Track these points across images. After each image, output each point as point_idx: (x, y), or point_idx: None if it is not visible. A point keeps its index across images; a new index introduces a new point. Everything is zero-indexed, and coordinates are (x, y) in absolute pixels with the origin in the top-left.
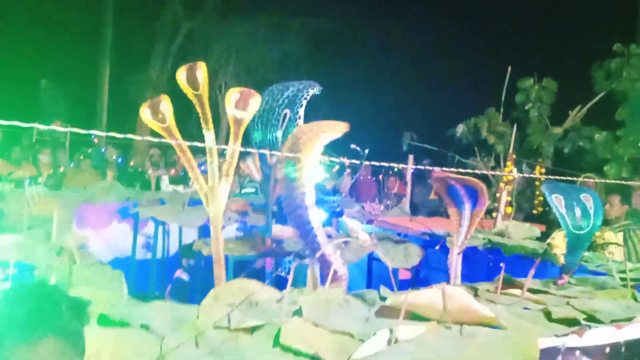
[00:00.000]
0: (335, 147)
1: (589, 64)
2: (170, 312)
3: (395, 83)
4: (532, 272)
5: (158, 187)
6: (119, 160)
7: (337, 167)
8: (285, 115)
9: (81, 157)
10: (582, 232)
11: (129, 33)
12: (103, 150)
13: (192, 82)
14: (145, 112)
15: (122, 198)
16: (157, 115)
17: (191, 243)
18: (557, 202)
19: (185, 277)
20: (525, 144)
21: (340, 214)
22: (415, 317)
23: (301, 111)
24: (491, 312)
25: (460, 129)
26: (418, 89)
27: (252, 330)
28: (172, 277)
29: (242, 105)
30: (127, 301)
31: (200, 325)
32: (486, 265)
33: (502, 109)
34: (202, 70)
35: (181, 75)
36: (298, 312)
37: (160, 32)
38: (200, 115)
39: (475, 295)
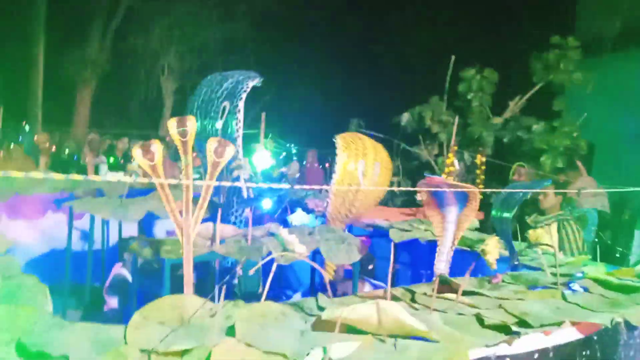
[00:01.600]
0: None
1: (528, 55)
2: (94, 335)
3: (342, 69)
4: (467, 275)
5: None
6: (75, 158)
7: (284, 154)
8: (224, 107)
9: (12, 145)
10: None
11: (65, 10)
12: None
13: (181, 132)
14: (136, 152)
15: (56, 189)
16: (147, 155)
17: (131, 237)
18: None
19: (125, 272)
20: (467, 133)
21: (284, 200)
22: (351, 329)
23: (241, 104)
24: (423, 326)
25: (405, 117)
26: (365, 76)
27: (182, 354)
28: (111, 270)
29: (220, 152)
30: (49, 321)
31: (126, 352)
32: (427, 256)
33: (445, 98)
34: (191, 123)
35: (171, 124)
36: (232, 330)
37: (98, 10)
38: (181, 159)
39: (412, 299)
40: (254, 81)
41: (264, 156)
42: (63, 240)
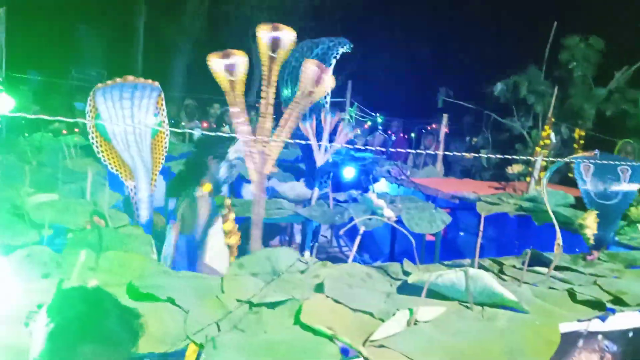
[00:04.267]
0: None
1: (638, 21)
2: (195, 283)
3: (432, 36)
4: (559, 249)
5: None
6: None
7: (368, 123)
8: None
9: None
10: (609, 203)
11: None
12: None
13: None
14: (214, 61)
15: None
16: (227, 66)
17: None
18: (584, 171)
19: None
20: (566, 105)
21: (370, 171)
22: (437, 295)
23: (330, 69)
24: (513, 295)
25: (499, 87)
26: (457, 44)
27: (274, 305)
28: None
29: (318, 79)
30: (156, 268)
31: (224, 299)
32: (515, 231)
33: (544, 67)
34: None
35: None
36: (320, 287)
37: None
38: (264, 76)
39: (500, 271)
40: (344, 47)
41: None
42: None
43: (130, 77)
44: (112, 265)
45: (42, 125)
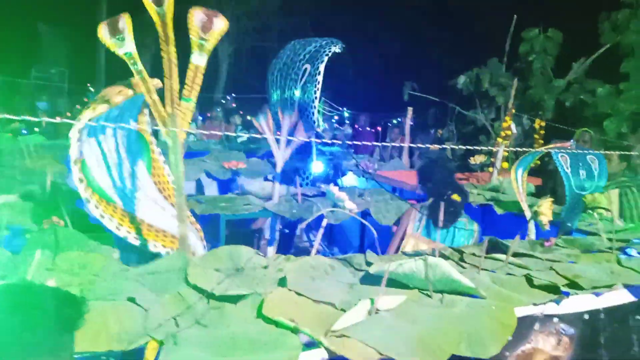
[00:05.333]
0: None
1: (595, 14)
2: (156, 278)
3: (397, 32)
4: (517, 237)
5: None
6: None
7: (336, 117)
8: (305, 69)
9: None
10: (584, 193)
11: None
12: None
13: None
14: (103, 31)
15: None
16: (115, 35)
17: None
18: (563, 162)
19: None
20: (526, 97)
21: (338, 165)
22: (399, 285)
23: (321, 67)
24: (471, 282)
25: (462, 80)
26: (421, 38)
27: (236, 299)
28: None
29: (207, 26)
30: (115, 267)
31: (185, 295)
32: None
33: (505, 60)
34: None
35: None
36: (284, 281)
37: None
38: (160, 35)
39: (461, 259)
40: (336, 47)
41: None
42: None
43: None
44: (72, 265)
45: (0, 125)
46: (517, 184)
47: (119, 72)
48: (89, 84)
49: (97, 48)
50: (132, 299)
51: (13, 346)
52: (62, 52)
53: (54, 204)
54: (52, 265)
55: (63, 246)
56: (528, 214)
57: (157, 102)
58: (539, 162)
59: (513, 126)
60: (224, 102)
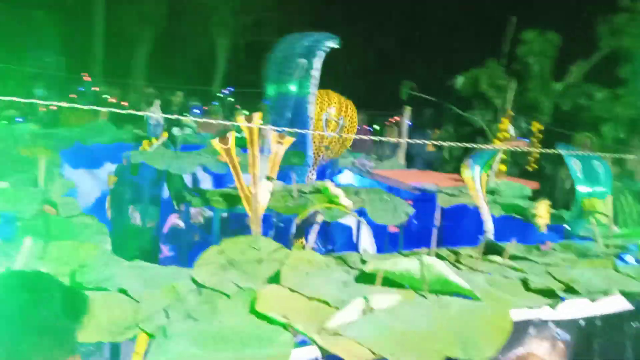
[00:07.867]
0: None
1: (594, 17)
2: (147, 272)
3: (397, 30)
4: (514, 240)
5: None
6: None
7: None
8: (300, 63)
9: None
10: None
11: None
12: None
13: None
14: (214, 142)
15: (115, 139)
16: (222, 141)
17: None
18: (576, 167)
19: (180, 223)
20: (524, 99)
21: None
22: (394, 284)
23: (318, 63)
24: (467, 284)
25: (460, 80)
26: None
27: (229, 294)
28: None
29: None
30: (107, 258)
31: (177, 288)
32: (475, 222)
33: (503, 61)
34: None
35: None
36: (277, 276)
37: None
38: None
39: (457, 260)
40: (333, 42)
41: None
42: None
43: None
44: (62, 254)
45: None
46: (475, 182)
47: (116, 60)
48: (84, 74)
49: (95, 36)
50: (123, 290)
51: (20, 332)
52: (58, 39)
53: (46, 192)
54: (42, 253)
55: (55, 235)
56: (485, 211)
57: (242, 182)
58: (536, 167)
59: (510, 128)
60: (221, 96)
